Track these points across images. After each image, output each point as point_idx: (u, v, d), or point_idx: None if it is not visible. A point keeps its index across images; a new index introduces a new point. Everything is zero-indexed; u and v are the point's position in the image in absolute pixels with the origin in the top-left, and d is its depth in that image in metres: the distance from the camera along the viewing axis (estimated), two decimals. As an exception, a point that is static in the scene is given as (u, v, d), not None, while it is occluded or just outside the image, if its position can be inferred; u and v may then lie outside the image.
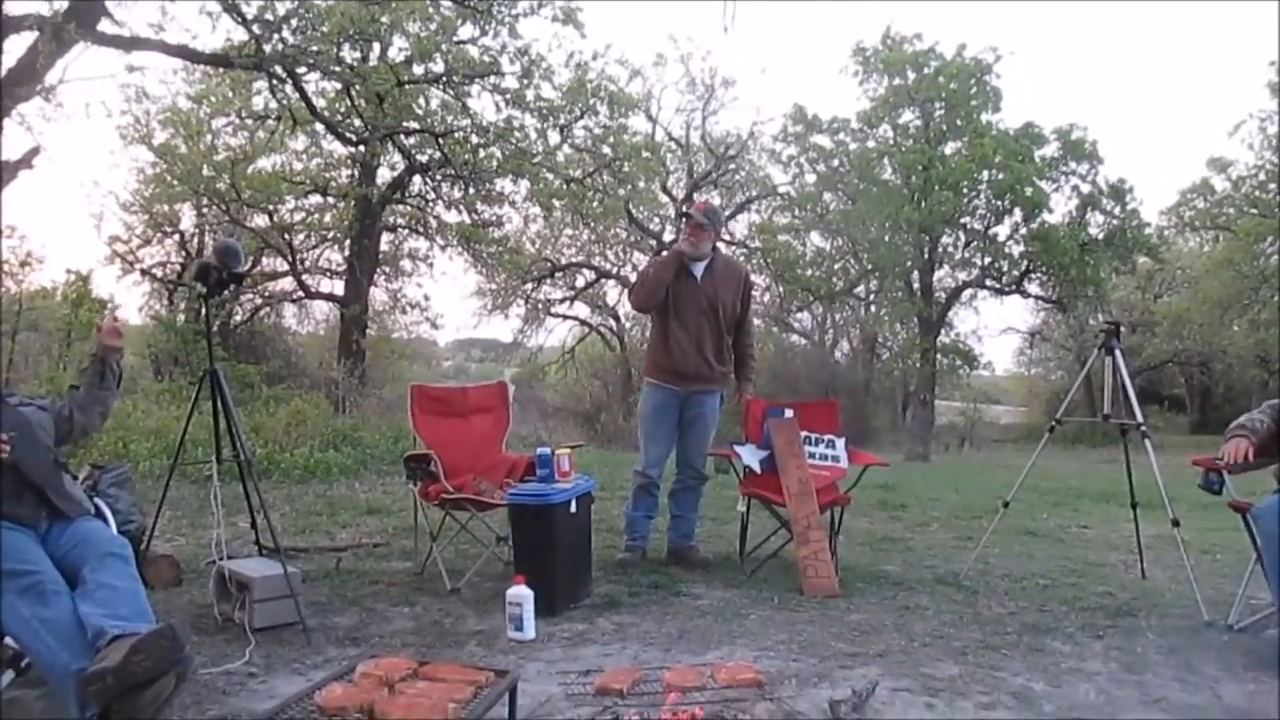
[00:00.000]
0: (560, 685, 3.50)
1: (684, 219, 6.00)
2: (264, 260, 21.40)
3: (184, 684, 3.20)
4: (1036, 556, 6.47)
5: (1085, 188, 25.24)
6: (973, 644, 4.26)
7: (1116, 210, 25.16)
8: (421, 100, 16.82)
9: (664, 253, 5.88)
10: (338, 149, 18.69)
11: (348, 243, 20.05)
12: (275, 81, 13.33)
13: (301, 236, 21.42)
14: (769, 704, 3.22)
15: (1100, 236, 25.14)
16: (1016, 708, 3.44)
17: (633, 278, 26.97)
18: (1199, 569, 5.29)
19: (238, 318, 21.50)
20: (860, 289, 28.34)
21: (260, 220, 19.92)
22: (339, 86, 14.49)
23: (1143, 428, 5.34)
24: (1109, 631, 4.52)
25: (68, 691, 3.08)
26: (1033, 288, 27.00)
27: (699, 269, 5.77)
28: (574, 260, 26.46)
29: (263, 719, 2.58)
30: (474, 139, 16.67)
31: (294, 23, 12.12)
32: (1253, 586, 4.56)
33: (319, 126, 16.28)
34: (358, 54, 14.73)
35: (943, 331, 26.30)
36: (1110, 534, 7.43)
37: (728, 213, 27.06)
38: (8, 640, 3.30)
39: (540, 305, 27.10)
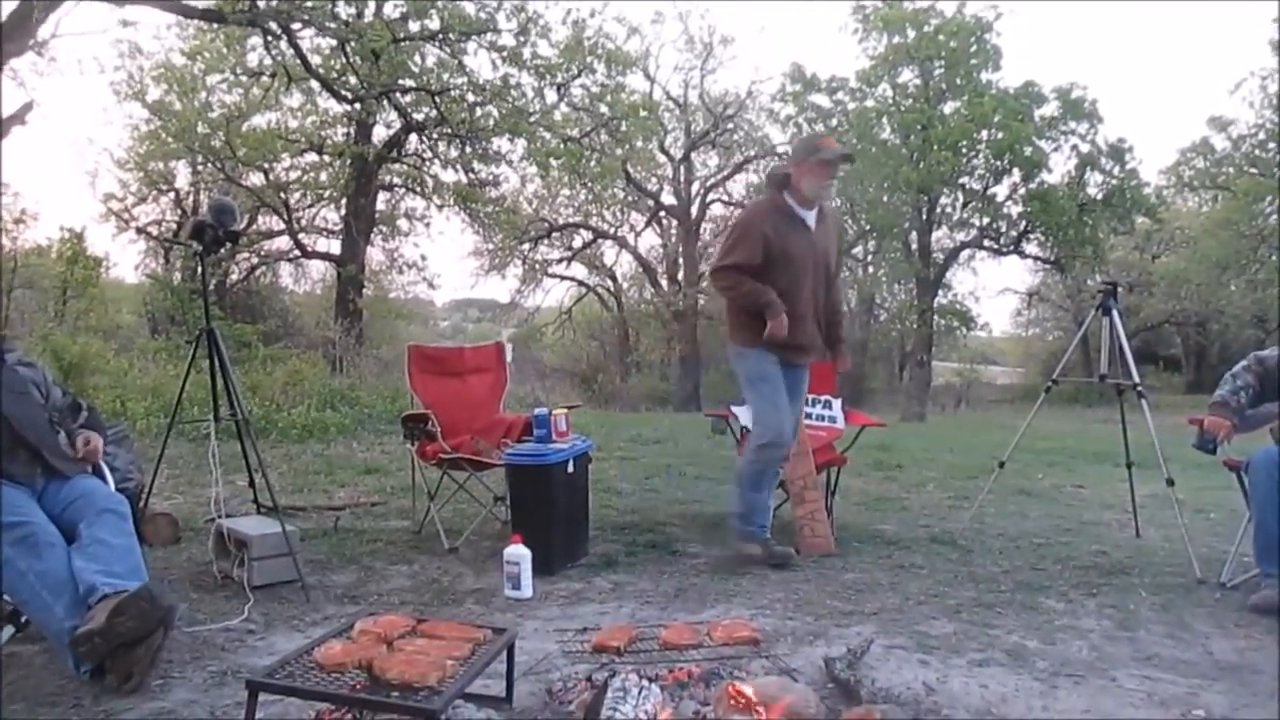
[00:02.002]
0: (557, 643, 3.52)
1: (809, 156, 4.77)
2: (260, 219, 21.38)
3: (171, 632, 3.23)
4: (1031, 516, 6.50)
5: (1084, 147, 25.10)
6: (967, 602, 4.28)
7: (1115, 170, 25.04)
8: (417, 58, 16.71)
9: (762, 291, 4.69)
10: (333, 107, 18.62)
11: (344, 202, 20.00)
12: (270, 37, 13.25)
13: (297, 195, 21.37)
14: (765, 661, 3.24)
15: (1099, 196, 25.03)
16: (1010, 664, 3.46)
17: (630, 239, 27.05)
18: (1192, 528, 5.31)
19: (234, 276, 21.52)
20: (858, 249, 28.27)
21: (256, 178, 19.88)
22: (334, 43, 14.39)
23: (1139, 388, 5.34)
24: (1102, 589, 4.55)
25: (64, 648, 3.11)
26: (1031, 248, 26.94)
27: (811, 217, 4.81)
28: (571, 220, 26.38)
29: (262, 675, 2.59)
30: (470, 97, 16.58)
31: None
32: (1245, 544, 4.57)
33: (314, 84, 16.18)
34: (352, 10, 14.62)
35: (940, 292, 26.26)
36: (1105, 493, 7.46)
37: (724, 173, 26.96)
38: (5, 596, 3.32)
39: (537, 265, 27.09)
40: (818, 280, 4.86)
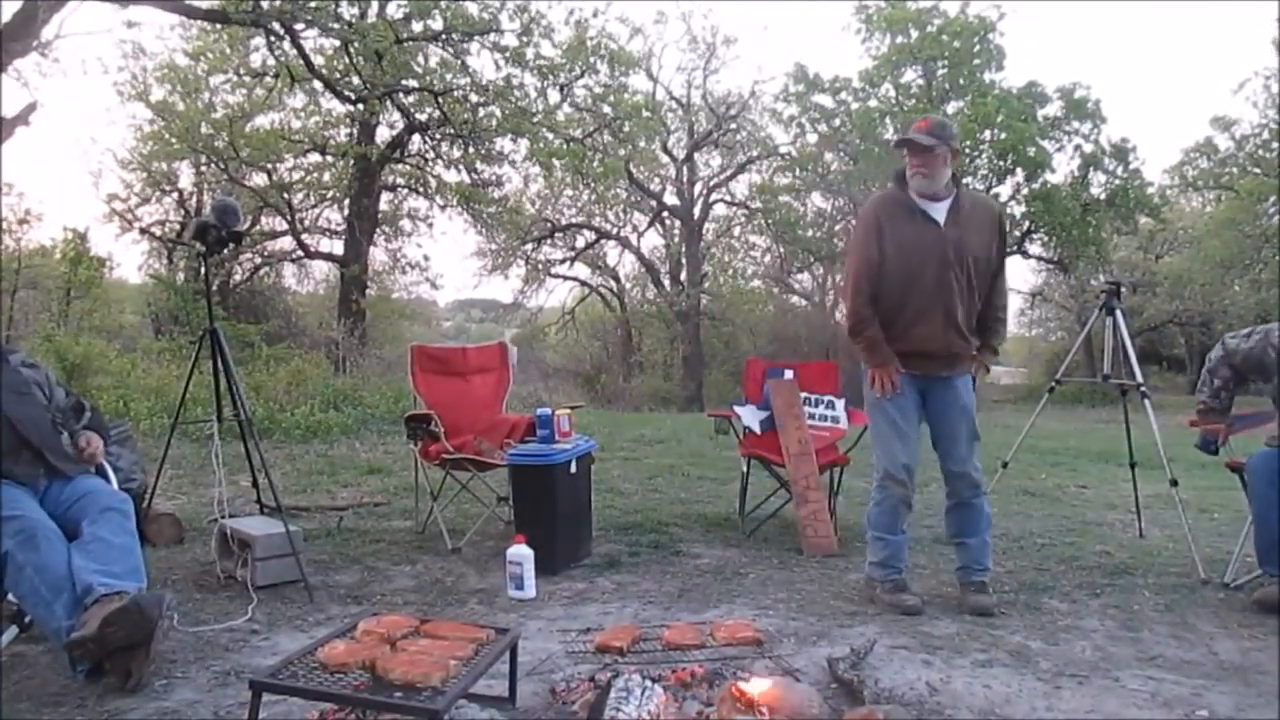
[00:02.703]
0: (560, 643, 3.52)
1: (901, 147, 4.34)
2: (263, 219, 21.38)
3: (164, 622, 3.22)
4: (1035, 516, 6.49)
5: (1088, 147, 25.05)
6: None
7: (1119, 170, 24.99)
8: (420, 58, 16.71)
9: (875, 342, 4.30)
10: (336, 107, 18.61)
11: (347, 202, 19.99)
12: (273, 38, 13.24)
13: (300, 195, 21.37)
14: (768, 662, 3.24)
15: (1102, 196, 24.98)
16: (1013, 665, 3.46)
17: (633, 239, 27.08)
18: (1196, 528, 5.31)
19: (237, 277, 21.52)
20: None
21: (259, 179, 19.88)
22: (337, 43, 14.38)
23: (1142, 388, 5.33)
24: (1106, 590, 4.55)
25: (62, 647, 3.13)
26: (1034, 248, 26.89)
27: (939, 210, 4.24)
28: (574, 221, 26.38)
29: (265, 675, 2.60)
30: (473, 98, 16.58)
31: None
32: (1249, 545, 4.57)
33: (317, 84, 16.17)
34: (355, 10, 14.61)
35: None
36: (1108, 494, 7.45)
37: (727, 174, 26.92)
38: (10, 597, 3.33)
39: (540, 266, 27.08)
40: (945, 278, 4.18)
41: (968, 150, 24.37)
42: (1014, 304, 37.30)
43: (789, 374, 6.02)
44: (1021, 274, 28.59)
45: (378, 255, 22.79)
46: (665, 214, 26.90)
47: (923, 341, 4.25)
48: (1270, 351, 4.37)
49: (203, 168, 19.50)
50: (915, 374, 4.31)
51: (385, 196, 21.39)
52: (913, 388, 4.34)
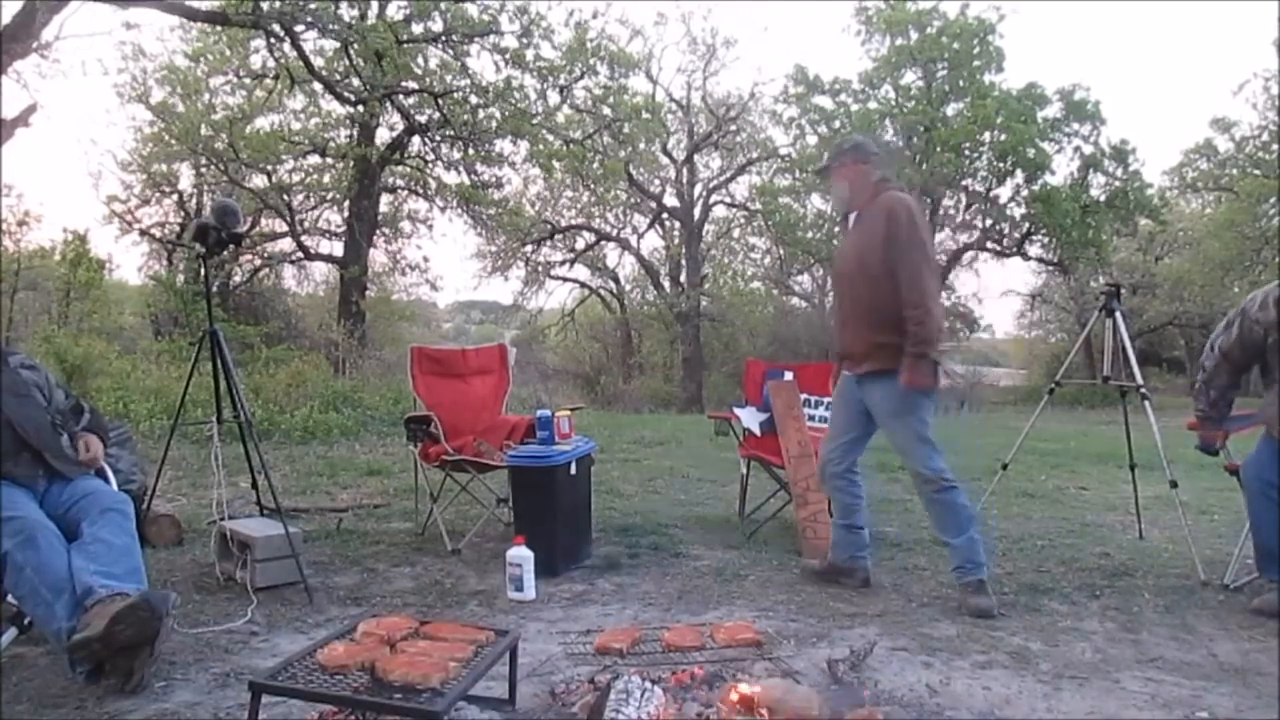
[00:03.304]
0: (560, 645, 3.52)
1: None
2: (263, 221, 21.37)
3: (168, 620, 3.21)
4: (1035, 517, 6.49)
5: (1087, 149, 25.05)
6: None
7: (1118, 171, 24.98)
8: (420, 59, 16.70)
9: None
10: (336, 108, 18.59)
11: (347, 204, 19.97)
12: (272, 39, 13.23)
13: (300, 197, 21.35)
14: (768, 663, 3.24)
15: (1102, 198, 24.97)
16: (1013, 666, 3.46)
17: (633, 240, 27.12)
18: (1196, 529, 5.31)
19: (237, 278, 21.50)
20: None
21: (259, 180, 19.85)
22: (337, 45, 14.37)
23: (1142, 389, 5.33)
24: (1106, 591, 4.55)
25: (62, 649, 3.12)
26: (1034, 250, 26.89)
27: (852, 221, 4.60)
28: (574, 222, 26.39)
29: (265, 676, 2.60)
30: (473, 99, 16.57)
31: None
32: (1249, 547, 4.57)
33: (317, 86, 16.17)
34: (355, 12, 14.61)
35: (943, 294, 26.20)
36: (1108, 495, 7.45)
37: (727, 175, 26.91)
38: (9, 598, 3.33)
39: (540, 267, 27.08)
40: (849, 282, 4.45)
41: (967, 152, 24.37)
42: (1014, 305, 37.37)
43: (789, 375, 6.02)
44: (1021, 275, 28.59)
45: (377, 257, 22.83)
46: (665, 216, 26.92)
47: (839, 343, 4.68)
48: (1257, 328, 4.30)
49: (202, 169, 19.49)
50: (846, 371, 4.62)
51: (385, 198, 21.39)
52: (849, 383, 4.60)
